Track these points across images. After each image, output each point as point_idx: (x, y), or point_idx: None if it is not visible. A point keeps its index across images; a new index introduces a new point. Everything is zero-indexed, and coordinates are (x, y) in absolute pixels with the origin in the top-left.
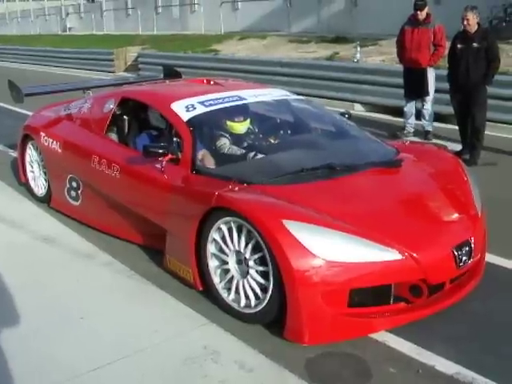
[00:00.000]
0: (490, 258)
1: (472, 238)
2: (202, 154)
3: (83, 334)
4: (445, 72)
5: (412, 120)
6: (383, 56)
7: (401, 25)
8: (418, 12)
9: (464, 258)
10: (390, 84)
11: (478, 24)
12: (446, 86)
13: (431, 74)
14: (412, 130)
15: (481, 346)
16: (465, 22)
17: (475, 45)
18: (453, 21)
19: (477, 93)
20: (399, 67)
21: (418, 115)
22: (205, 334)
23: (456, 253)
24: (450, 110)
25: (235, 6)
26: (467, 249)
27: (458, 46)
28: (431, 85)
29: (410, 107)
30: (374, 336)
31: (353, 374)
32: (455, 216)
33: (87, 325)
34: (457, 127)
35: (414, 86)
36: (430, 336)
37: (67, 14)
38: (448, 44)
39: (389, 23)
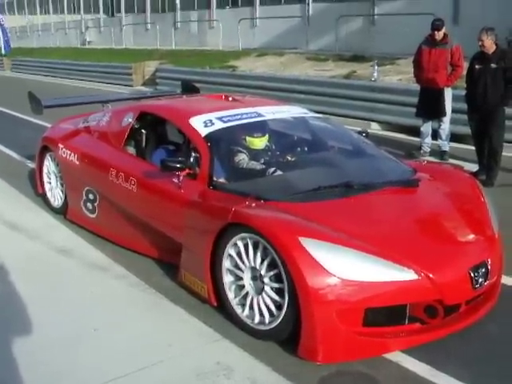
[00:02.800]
0: (506, 280)
1: (489, 260)
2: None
3: (96, 347)
4: (462, 92)
5: (428, 140)
6: (401, 75)
7: (418, 44)
8: (436, 32)
9: (480, 280)
10: (407, 103)
11: (496, 44)
12: (464, 106)
13: (448, 94)
14: (428, 149)
15: (496, 369)
16: (480, 44)
17: (493, 65)
18: (471, 41)
19: (494, 113)
20: (416, 86)
21: (435, 135)
22: (218, 350)
23: (472, 274)
24: (466, 130)
25: (253, 22)
26: (484, 270)
27: (476, 66)
28: (448, 105)
29: (427, 127)
30: (387, 356)
31: None
32: (472, 237)
33: (100, 337)
34: (473, 148)
35: (431, 106)
36: (444, 357)
37: (87, 28)
38: (466, 64)
39: (407, 42)
